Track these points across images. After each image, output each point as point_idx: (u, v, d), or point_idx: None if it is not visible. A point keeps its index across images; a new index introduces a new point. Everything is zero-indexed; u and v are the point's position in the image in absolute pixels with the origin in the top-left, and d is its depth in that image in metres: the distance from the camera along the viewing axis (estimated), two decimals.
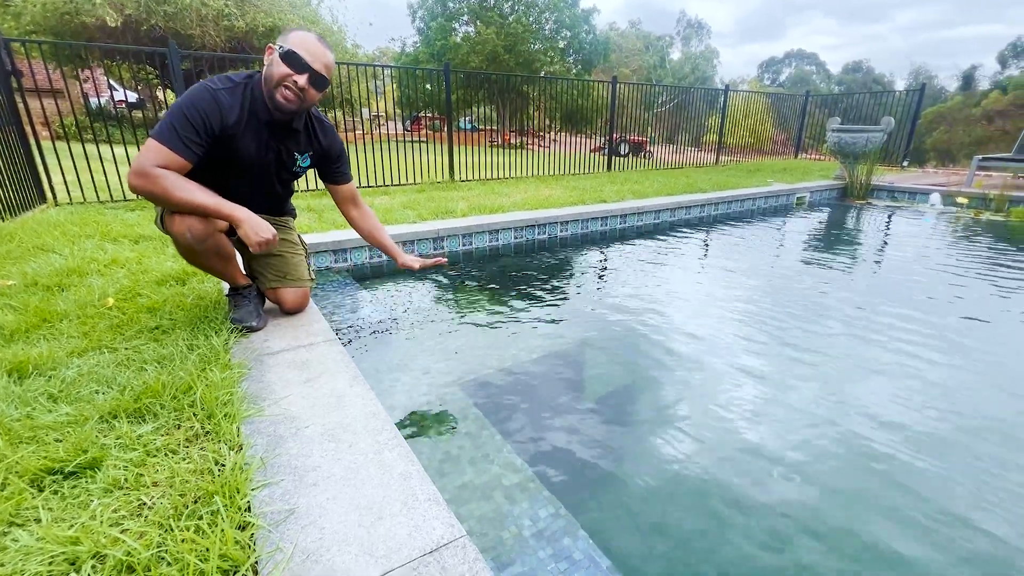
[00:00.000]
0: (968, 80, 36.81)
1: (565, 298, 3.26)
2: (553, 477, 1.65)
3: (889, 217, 5.99)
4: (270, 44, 1.53)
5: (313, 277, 2.00)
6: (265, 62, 1.52)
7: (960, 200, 6.20)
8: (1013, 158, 6.30)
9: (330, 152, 1.77)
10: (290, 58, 1.46)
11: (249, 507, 0.98)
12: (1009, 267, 3.84)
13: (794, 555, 1.35)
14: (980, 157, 6.44)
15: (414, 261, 2.01)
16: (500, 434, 1.87)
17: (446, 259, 2.04)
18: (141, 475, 1.06)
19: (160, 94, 12.38)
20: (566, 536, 1.41)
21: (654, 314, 2.98)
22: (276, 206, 1.87)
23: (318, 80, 1.51)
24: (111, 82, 12.33)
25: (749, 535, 1.40)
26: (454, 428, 1.92)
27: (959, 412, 2.02)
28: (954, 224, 5.49)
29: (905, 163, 8.87)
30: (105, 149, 6.10)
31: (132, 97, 12.81)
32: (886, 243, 4.82)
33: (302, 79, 1.48)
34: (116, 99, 12.03)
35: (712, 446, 1.77)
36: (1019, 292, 3.36)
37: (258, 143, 1.56)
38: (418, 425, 1.83)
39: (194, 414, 1.28)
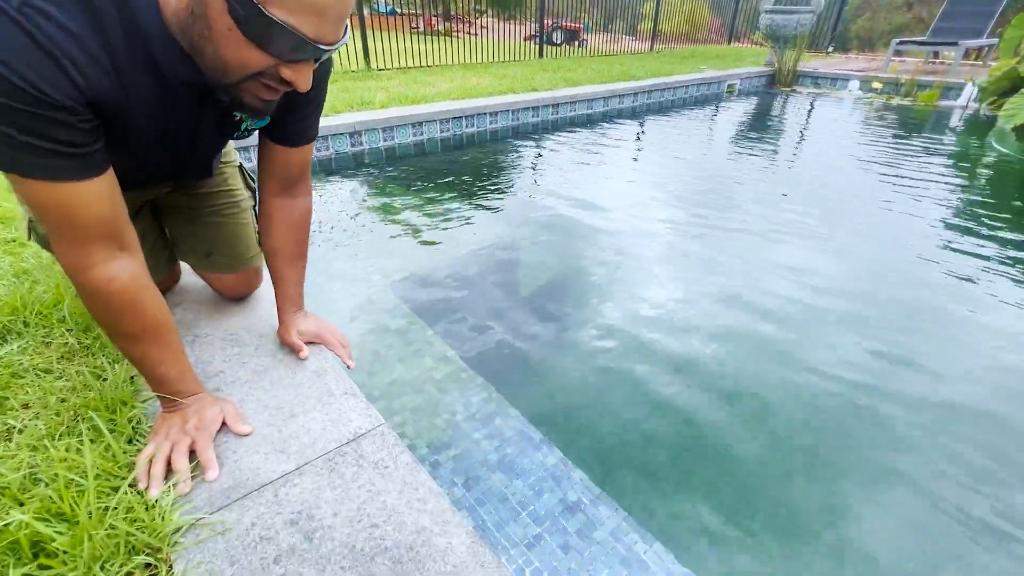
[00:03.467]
0: None
1: (496, 193, 3.13)
2: (485, 366, 1.65)
3: (811, 104, 6.12)
4: None
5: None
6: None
7: (875, 85, 6.41)
8: (927, 41, 6.49)
9: (308, 101, 0.85)
10: (277, 35, 0.57)
11: (140, 420, 0.88)
12: (905, 154, 4.09)
13: (710, 421, 1.46)
14: (898, 41, 6.58)
15: (297, 339, 1.07)
16: (430, 329, 1.84)
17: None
18: (6, 398, 0.92)
19: None
20: (498, 416, 1.44)
21: (585, 207, 2.94)
22: (213, 169, 1.02)
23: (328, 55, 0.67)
24: None
25: (671, 408, 1.49)
26: (383, 327, 1.85)
27: (841, 288, 2.20)
28: (867, 110, 5.71)
29: (830, 49, 8.96)
30: None
31: None
32: (804, 131, 4.96)
33: (300, 72, 0.63)
34: None
35: (637, 330, 1.83)
36: (908, 181, 3.60)
37: (168, 115, 0.72)
38: (343, 326, 1.74)
39: (67, 329, 1.11)
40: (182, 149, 0.81)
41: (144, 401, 0.92)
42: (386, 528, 0.70)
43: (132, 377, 0.97)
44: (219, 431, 0.84)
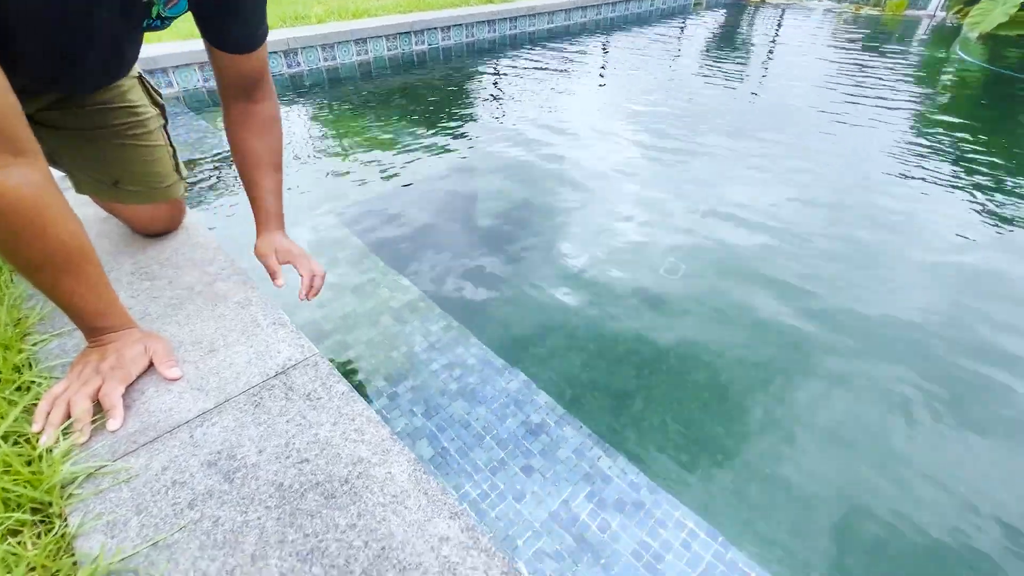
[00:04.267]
0: None
1: (451, 118, 2.91)
2: (445, 297, 1.56)
3: (781, 16, 5.88)
4: None
5: (184, 176, 1.07)
6: None
7: None
8: None
9: None
10: None
11: (30, 364, 0.76)
12: (871, 65, 3.98)
13: (673, 342, 1.42)
14: None
15: (275, 261, 0.89)
16: (384, 260, 1.72)
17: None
18: None
19: None
20: (460, 345, 1.37)
21: (546, 130, 2.77)
22: (116, 71, 0.83)
23: None
24: None
25: (634, 331, 1.45)
26: (334, 259, 1.73)
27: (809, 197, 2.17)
28: (837, 21, 5.52)
29: None
30: None
31: None
32: (772, 45, 4.77)
33: None
34: None
35: (599, 256, 1.76)
36: (872, 92, 3.52)
37: None
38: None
39: None
40: (75, 42, 0.62)
41: (35, 344, 0.80)
42: (318, 462, 0.62)
43: (19, 319, 0.84)
44: (145, 373, 0.74)
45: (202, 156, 2.40)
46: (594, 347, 1.36)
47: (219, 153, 2.42)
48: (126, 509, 0.57)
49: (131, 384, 0.71)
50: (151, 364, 0.74)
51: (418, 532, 0.55)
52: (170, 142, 1.02)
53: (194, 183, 2.15)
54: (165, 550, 0.53)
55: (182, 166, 1.06)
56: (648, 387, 1.24)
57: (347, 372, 1.21)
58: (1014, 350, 1.34)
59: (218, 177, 2.23)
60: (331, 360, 1.01)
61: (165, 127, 1.01)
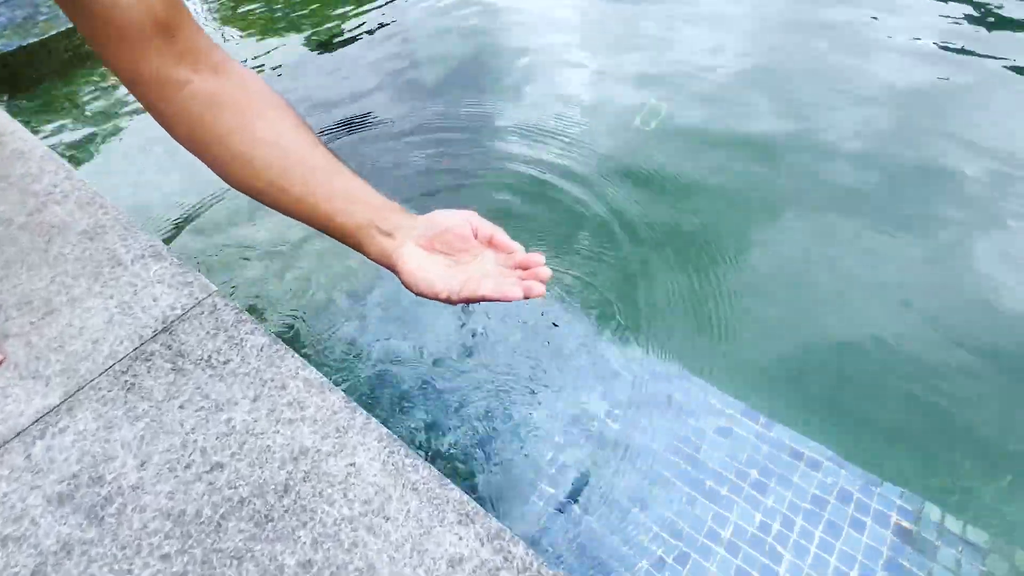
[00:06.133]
0: None
1: None
2: (398, 176, 1.25)
3: None
4: None
5: None
6: None
7: None
8: None
9: None
10: None
11: None
12: None
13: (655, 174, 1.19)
14: None
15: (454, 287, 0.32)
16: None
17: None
18: None
19: None
20: None
21: None
22: None
23: None
24: None
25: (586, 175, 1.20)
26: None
27: None
28: None
29: None
30: None
31: None
32: None
33: None
34: None
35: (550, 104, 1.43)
36: None
37: None
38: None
39: None
40: None
41: None
42: (237, 467, 0.40)
43: None
44: None
45: None
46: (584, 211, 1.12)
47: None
48: None
49: None
50: None
51: (413, 557, 0.35)
52: None
53: None
54: None
55: None
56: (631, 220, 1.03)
57: (266, 314, 0.85)
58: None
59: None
60: (236, 303, 0.74)
61: None
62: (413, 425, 0.70)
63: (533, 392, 0.84)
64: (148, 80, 0.32)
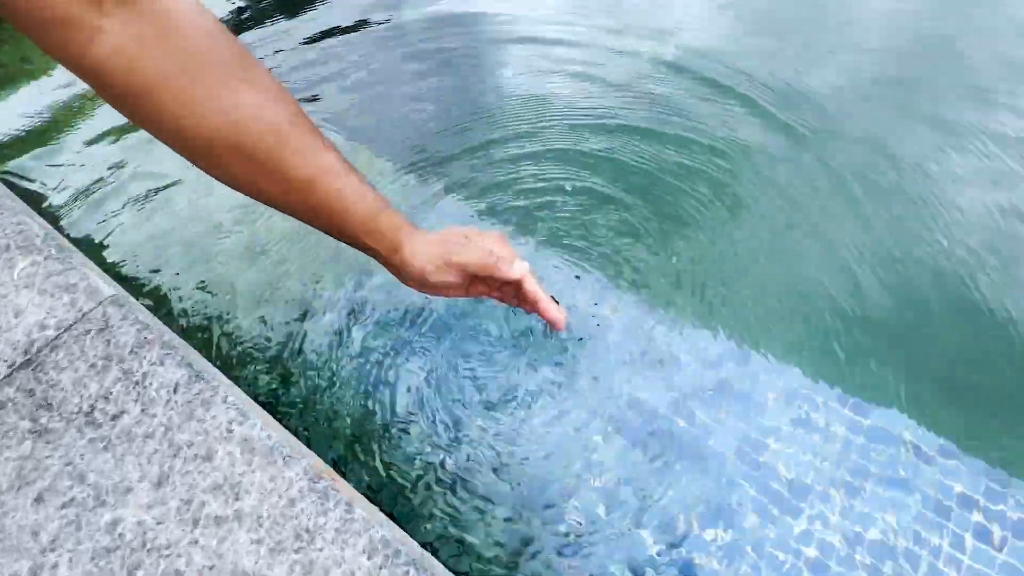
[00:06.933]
0: None
1: None
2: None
3: None
4: None
5: None
6: None
7: None
8: None
9: None
10: None
11: None
12: None
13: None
14: None
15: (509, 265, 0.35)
16: None
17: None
18: None
19: None
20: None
21: None
22: None
23: None
24: None
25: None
26: None
27: None
28: None
29: None
30: None
31: None
32: None
33: None
34: None
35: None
36: None
37: None
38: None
39: None
40: None
41: None
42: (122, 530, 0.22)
43: None
44: None
45: None
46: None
47: None
48: None
49: None
50: None
51: None
52: None
53: None
54: None
55: None
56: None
57: (189, 332, 0.52)
58: None
59: None
60: (150, 303, 0.51)
61: None
62: (428, 508, 0.43)
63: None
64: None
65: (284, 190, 0.29)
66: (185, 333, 0.49)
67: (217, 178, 0.29)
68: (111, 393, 0.30)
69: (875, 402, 0.49)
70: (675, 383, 0.49)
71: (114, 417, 0.29)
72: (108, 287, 0.35)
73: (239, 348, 0.49)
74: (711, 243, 0.59)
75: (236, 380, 0.41)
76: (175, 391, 0.30)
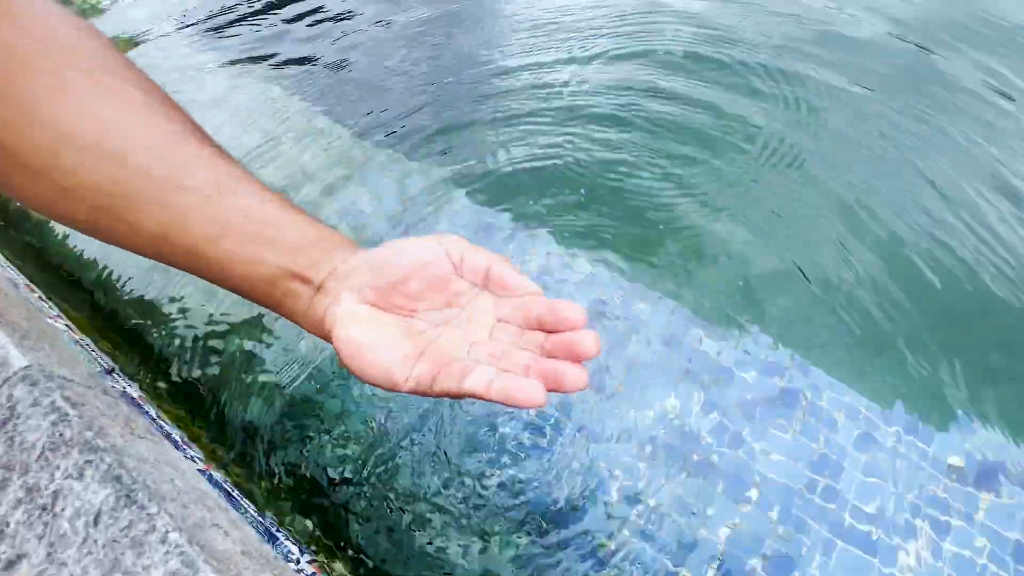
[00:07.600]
0: None
1: None
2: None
3: None
4: None
5: None
6: None
7: None
8: None
9: None
10: None
11: None
12: None
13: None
14: None
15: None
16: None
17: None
18: None
19: None
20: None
21: None
22: None
23: None
24: None
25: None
26: None
27: None
28: None
29: None
30: None
31: None
32: None
33: None
34: None
35: None
36: None
37: None
38: None
39: None
40: None
41: None
42: None
43: None
44: None
45: None
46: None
47: None
48: None
49: None
50: None
51: None
52: None
53: None
54: None
55: None
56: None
57: (130, 415, 0.33)
58: None
59: None
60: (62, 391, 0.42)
61: None
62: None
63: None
64: None
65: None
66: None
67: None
68: (6, 525, 0.22)
69: None
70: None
71: (7, 567, 0.21)
72: (21, 355, 0.26)
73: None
74: None
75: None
76: (95, 523, 0.21)
